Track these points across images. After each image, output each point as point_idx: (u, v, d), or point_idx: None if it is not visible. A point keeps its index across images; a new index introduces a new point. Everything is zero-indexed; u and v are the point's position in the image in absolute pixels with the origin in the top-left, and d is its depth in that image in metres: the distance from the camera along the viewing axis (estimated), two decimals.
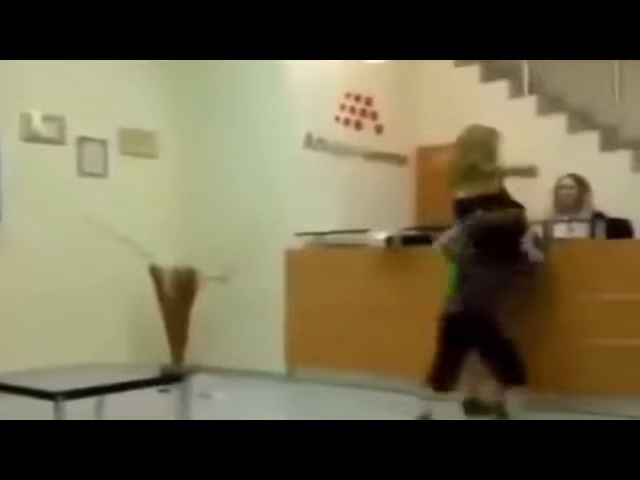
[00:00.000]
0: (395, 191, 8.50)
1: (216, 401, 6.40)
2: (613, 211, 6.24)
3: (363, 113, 8.32)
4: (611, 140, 7.62)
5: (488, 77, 8.34)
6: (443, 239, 5.84)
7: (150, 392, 4.99)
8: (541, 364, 5.67)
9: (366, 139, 8.32)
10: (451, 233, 5.76)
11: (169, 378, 5.05)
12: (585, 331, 5.74)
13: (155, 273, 7.51)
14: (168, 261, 7.49)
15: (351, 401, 6.52)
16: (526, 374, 5.50)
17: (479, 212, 5.55)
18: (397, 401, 6.28)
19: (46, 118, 7.21)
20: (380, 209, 7.96)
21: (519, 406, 5.42)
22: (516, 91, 8.19)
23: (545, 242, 5.92)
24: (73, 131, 7.41)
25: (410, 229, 7.25)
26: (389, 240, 6.83)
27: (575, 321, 5.77)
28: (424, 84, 8.63)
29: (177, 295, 7.53)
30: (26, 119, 7.11)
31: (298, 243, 7.51)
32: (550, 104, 8.03)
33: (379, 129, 8.48)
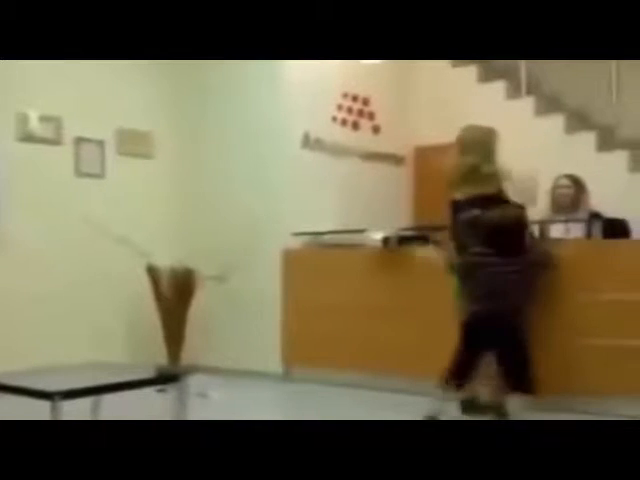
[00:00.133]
0: (392, 191, 8.50)
1: (213, 401, 6.40)
2: (610, 211, 6.24)
3: (360, 113, 8.33)
4: (608, 140, 7.62)
5: (485, 77, 8.34)
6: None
7: (147, 392, 4.98)
8: (540, 364, 5.66)
9: (363, 139, 8.33)
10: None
11: (166, 378, 5.05)
12: (583, 331, 5.75)
13: (152, 273, 7.51)
14: (165, 261, 7.49)
15: (348, 401, 6.51)
16: (535, 384, 5.52)
17: (475, 211, 5.55)
18: (394, 401, 6.30)
19: (43, 118, 7.20)
20: (377, 209, 7.97)
21: (520, 406, 5.43)
22: (513, 91, 8.19)
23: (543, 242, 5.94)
24: (70, 131, 7.40)
25: (407, 229, 7.25)
26: (386, 240, 6.84)
27: (573, 321, 5.77)
28: (421, 84, 8.64)
29: (174, 295, 7.53)
30: (23, 119, 7.10)
31: (295, 243, 7.51)
32: (547, 104, 8.04)
33: (376, 129, 8.49)
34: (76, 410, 4.20)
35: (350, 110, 8.22)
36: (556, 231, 6.32)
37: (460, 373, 5.59)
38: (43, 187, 7.18)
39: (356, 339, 6.93)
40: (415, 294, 6.56)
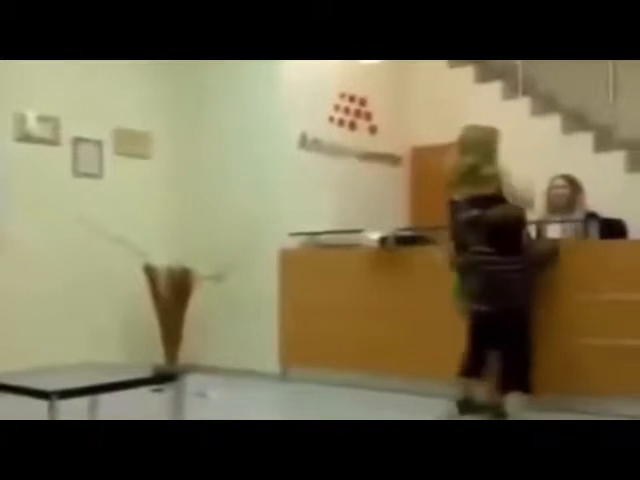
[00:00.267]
0: (389, 191, 8.51)
1: (211, 401, 6.41)
2: (607, 212, 6.24)
3: (357, 113, 8.34)
4: (605, 141, 7.63)
5: (482, 78, 8.35)
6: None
7: (144, 392, 4.99)
8: (539, 364, 5.66)
9: (360, 139, 8.34)
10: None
11: (163, 378, 5.05)
12: (582, 331, 5.75)
13: (150, 272, 7.51)
14: (163, 261, 7.49)
15: (345, 400, 6.52)
16: (529, 380, 5.55)
17: (475, 211, 5.55)
18: (392, 400, 6.30)
19: (41, 118, 7.20)
20: (374, 209, 7.98)
21: (520, 406, 5.43)
22: (510, 92, 8.20)
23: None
24: (68, 131, 7.41)
25: (404, 229, 7.26)
26: (383, 240, 6.84)
27: (572, 321, 5.77)
28: (418, 85, 8.65)
29: (172, 295, 7.54)
30: (21, 119, 7.10)
31: (293, 243, 7.52)
32: (544, 105, 8.04)
33: (373, 129, 8.50)
34: (74, 410, 4.21)
35: (347, 110, 8.23)
36: (553, 231, 6.32)
37: (472, 373, 5.60)
38: (41, 187, 7.19)
39: (353, 339, 6.93)
40: (412, 294, 6.57)
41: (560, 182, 6.55)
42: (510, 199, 5.61)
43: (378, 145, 8.49)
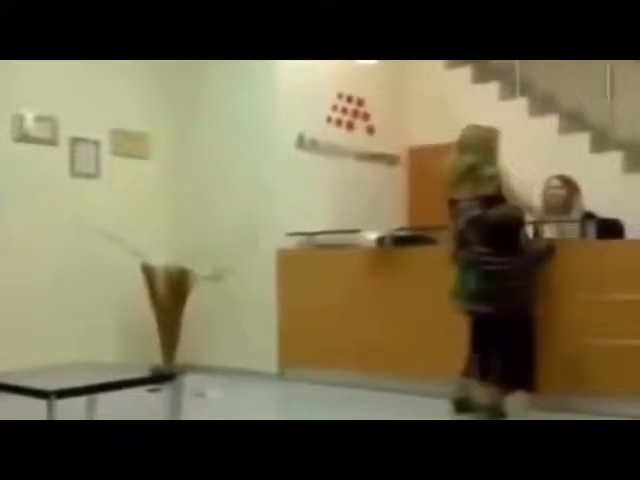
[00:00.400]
0: (387, 191, 8.52)
1: (209, 400, 6.41)
2: (604, 212, 6.24)
3: (355, 114, 8.34)
4: (602, 141, 7.63)
5: (480, 78, 8.36)
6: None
7: (142, 392, 5.00)
8: (539, 364, 5.66)
9: (358, 140, 8.35)
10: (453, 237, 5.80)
11: (161, 377, 5.06)
12: (582, 331, 5.74)
13: (147, 272, 7.51)
14: (160, 260, 7.50)
15: (343, 400, 6.52)
16: (532, 378, 5.55)
17: (475, 211, 5.57)
18: (390, 400, 6.31)
19: (39, 118, 7.21)
20: (372, 209, 7.98)
21: (523, 405, 5.43)
22: (508, 92, 8.20)
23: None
24: (66, 131, 7.42)
25: (401, 229, 7.26)
26: (380, 240, 6.85)
27: (572, 321, 5.77)
28: (416, 85, 8.65)
29: (169, 294, 7.54)
30: (19, 119, 7.11)
31: (290, 243, 7.52)
32: (541, 105, 8.05)
33: (371, 130, 8.50)
34: (71, 410, 4.21)
35: (345, 111, 8.24)
36: (549, 232, 6.32)
37: (477, 375, 5.60)
38: (38, 187, 7.19)
39: (351, 339, 6.93)
40: (409, 294, 6.57)
41: (556, 183, 6.55)
42: (509, 200, 5.63)
43: (376, 145, 8.50)
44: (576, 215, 6.38)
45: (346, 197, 8.04)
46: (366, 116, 8.45)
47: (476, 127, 5.89)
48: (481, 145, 5.75)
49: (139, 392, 4.87)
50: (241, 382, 7.24)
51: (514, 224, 5.59)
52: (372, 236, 6.91)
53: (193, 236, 8.00)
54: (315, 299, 7.17)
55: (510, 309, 5.47)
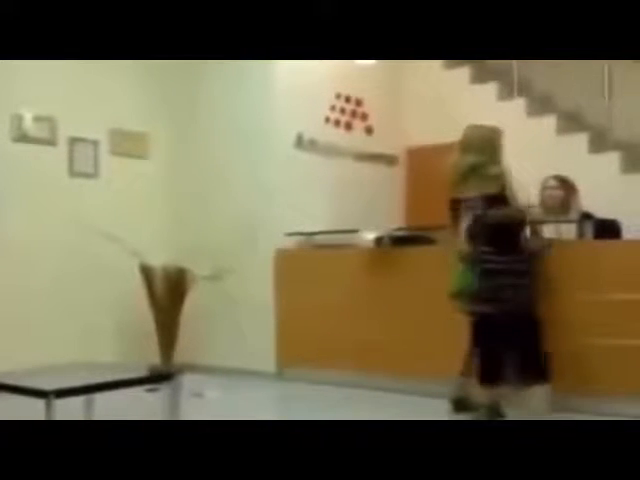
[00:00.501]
0: (385, 192, 8.52)
1: (208, 400, 6.41)
2: (602, 213, 6.24)
3: (353, 114, 8.35)
4: (600, 142, 7.64)
5: (478, 79, 8.36)
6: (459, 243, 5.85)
7: (140, 391, 5.00)
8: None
9: (356, 140, 8.35)
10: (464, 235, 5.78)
11: (159, 377, 5.06)
12: (582, 331, 5.73)
13: (146, 272, 7.52)
14: (159, 260, 7.50)
15: (342, 401, 6.53)
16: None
17: (478, 211, 5.57)
18: (388, 400, 6.32)
19: (37, 118, 7.21)
20: (370, 209, 7.98)
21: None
22: (506, 93, 8.21)
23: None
24: (64, 131, 7.42)
25: (399, 229, 7.27)
26: (378, 240, 6.85)
27: (572, 321, 5.76)
28: (414, 85, 8.65)
29: (167, 294, 7.54)
30: (17, 119, 7.11)
31: (289, 243, 7.53)
32: (540, 106, 8.06)
33: (369, 130, 8.51)
34: (69, 410, 4.21)
35: (343, 111, 8.25)
36: (547, 232, 6.32)
37: (491, 374, 5.56)
38: (37, 187, 7.20)
39: (349, 338, 6.93)
40: (408, 294, 6.58)
41: (553, 183, 6.55)
42: (511, 200, 5.64)
43: (374, 145, 8.50)
44: (573, 215, 6.38)
45: (344, 197, 8.05)
46: (364, 116, 8.45)
47: (478, 127, 5.91)
48: (484, 144, 5.77)
49: (137, 392, 4.88)
50: (239, 382, 7.24)
51: (515, 225, 5.60)
52: (370, 236, 6.91)
53: (192, 236, 8.00)
54: (314, 299, 7.17)
55: (514, 307, 5.46)
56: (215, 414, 5.42)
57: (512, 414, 5.31)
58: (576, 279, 5.79)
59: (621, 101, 7.61)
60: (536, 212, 6.40)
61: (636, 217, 6.00)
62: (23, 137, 7.14)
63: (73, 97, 7.47)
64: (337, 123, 8.18)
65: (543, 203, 6.53)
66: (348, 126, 8.30)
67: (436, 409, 5.69)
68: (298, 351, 7.29)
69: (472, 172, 5.71)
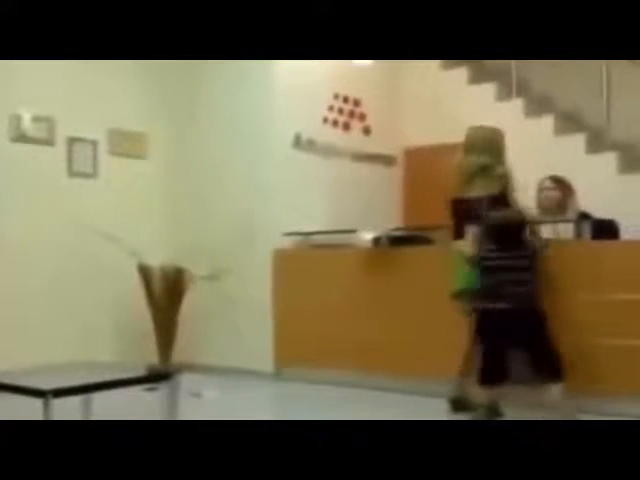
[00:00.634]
0: (383, 192, 8.53)
1: (206, 400, 6.41)
2: (600, 213, 6.24)
3: (351, 114, 8.36)
4: (598, 142, 7.64)
5: (476, 79, 8.37)
6: (462, 244, 5.83)
7: (138, 391, 5.00)
8: None
9: (354, 140, 8.36)
10: (470, 236, 5.76)
11: (157, 377, 5.07)
12: (583, 331, 5.73)
13: (144, 272, 7.52)
14: (157, 260, 7.50)
15: (341, 400, 6.53)
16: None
17: (482, 211, 5.58)
18: (386, 400, 6.32)
19: (36, 118, 7.21)
20: (368, 209, 7.99)
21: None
22: (504, 93, 8.21)
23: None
24: (63, 131, 7.42)
25: (397, 229, 7.27)
26: (377, 240, 6.86)
27: (572, 321, 5.76)
28: (412, 86, 8.65)
29: (166, 294, 7.55)
30: (16, 119, 7.11)
31: (287, 243, 7.53)
32: (537, 106, 8.06)
33: (367, 130, 8.52)
34: (67, 409, 4.22)
35: (341, 111, 8.25)
36: (545, 233, 6.32)
37: (492, 374, 5.55)
38: (36, 187, 7.19)
39: (347, 338, 6.94)
40: (406, 294, 6.58)
41: (549, 184, 6.54)
42: (512, 200, 5.66)
43: (372, 146, 8.51)
44: (570, 215, 6.38)
45: (342, 197, 8.06)
46: (362, 117, 8.46)
47: (481, 128, 5.92)
48: (488, 145, 5.78)
49: (135, 391, 4.88)
50: (237, 382, 7.24)
51: (517, 225, 5.61)
52: (368, 236, 6.92)
53: (190, 236, 8.00)
54: (311, 299, 7.18)
55: (516, 302, 5.44)
56: (213, 414, 5.43)
57: (538, 416, 5.20)
58: (576, 279, 5.79)
59: (619, 102, 7.62)
60: (533, 213, 6.41)
61: (634, 217, 6.00)
62: (22, 137, 7.14)
63: (72, 97, 7.47)
64: (335, 123, 8.19)
65: (540, 204, 6.53)
66: (346, 126, 8.30)
67: (435, 409, 5.70)
68: (296, 351, 7.30)
69: (480, 172, 5.72)
